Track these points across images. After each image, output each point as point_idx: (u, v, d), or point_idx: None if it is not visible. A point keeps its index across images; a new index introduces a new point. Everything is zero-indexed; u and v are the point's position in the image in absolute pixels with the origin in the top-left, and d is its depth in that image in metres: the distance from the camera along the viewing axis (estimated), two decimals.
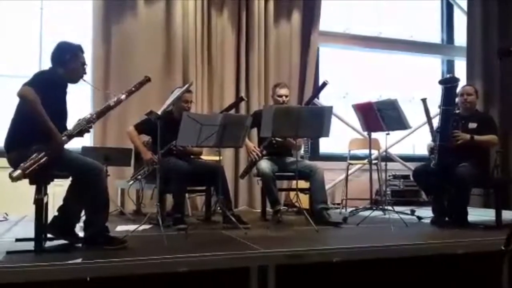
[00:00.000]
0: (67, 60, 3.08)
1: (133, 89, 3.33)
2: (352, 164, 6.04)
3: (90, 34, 5.48)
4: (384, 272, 3.00)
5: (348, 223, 4.23)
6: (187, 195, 4.97)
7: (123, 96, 3.22)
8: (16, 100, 2.90)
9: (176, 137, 3.69)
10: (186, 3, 5.74)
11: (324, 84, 4.44)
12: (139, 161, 4.38)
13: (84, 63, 3.18)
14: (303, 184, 4.56)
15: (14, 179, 2.73)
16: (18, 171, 2.73)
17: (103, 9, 5.48)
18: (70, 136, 2.98)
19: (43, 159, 2.79)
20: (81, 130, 3.03)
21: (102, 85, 5.11)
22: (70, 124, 3.08)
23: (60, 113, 3.04)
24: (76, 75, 3.15)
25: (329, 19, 6.65)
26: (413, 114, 5.14)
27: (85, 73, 3.20)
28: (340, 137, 6.27)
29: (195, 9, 5.76)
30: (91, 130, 3.19)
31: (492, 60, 6.84)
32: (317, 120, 3.91)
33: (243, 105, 5.84)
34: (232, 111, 5.34)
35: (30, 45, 5.52)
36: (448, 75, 6.79)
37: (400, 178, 6.39)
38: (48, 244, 3.00)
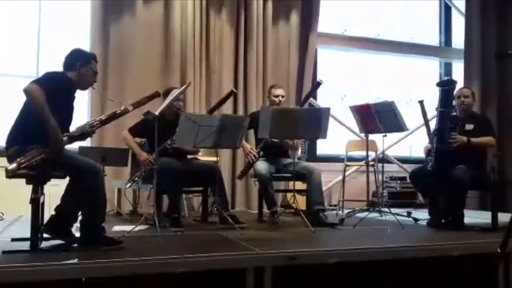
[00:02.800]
0: (78, 66, 3.11)
1: (142, 102, 3.34)
2: (349, 165, 6.05)
3: (88, 34, 5.47)
4: (380, 274, 3.00)
5: (345, 224, 4.24)
6: (184, 195, 4.98)
7: (130, 108, 3.23)
8: (18, 97, 2.93)
9: (169, 137, 3.68)
10: (185, 4, 5.74)
11: (318, 83, 4.45)
12: (136, 161, 4.37)
13: (95, 72, 3.23)
14: (300, 185, 4.56)
15: (9, 172, 2.74)
16: (13, 164, 2.76)
17: (101, 9, 5.48)
18: (71, 138, 3.00)
19: (41, 156, 2.80)
20: (83, 133, 3.05)
21: (100, 85, 5.09)
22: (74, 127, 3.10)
23: (64, 116, 3.04)
24: (85, 82, 3.19)
25: (327, 20, 6.66)
26: (411, 116, 5.15)
27: (95, 81, 3.25)
28: (337, 139, 6.28)
29: (194, 10, 5.76)
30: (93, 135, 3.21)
31: (490, 63, 6.87)
32: (315, 122, 3.91)
33: (241, 105, 5.85)
34: (230, 111, 5.36)
35: (28, 45, 5.52)
36: (445, 77, 6.81)
37: (397, 180, 6.40)
38: (44, 244, 3.00)
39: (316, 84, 4.50)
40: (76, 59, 3.13)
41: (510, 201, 5.79)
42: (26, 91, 2.84)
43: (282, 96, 4.59)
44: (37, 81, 2.91)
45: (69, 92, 3.12)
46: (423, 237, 3.83)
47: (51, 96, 2.84)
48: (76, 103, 3.21)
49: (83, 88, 3.24)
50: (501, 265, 3.15)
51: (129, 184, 4.24)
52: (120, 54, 5.56)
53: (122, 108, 3.20)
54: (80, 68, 3.11)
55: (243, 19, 5.97)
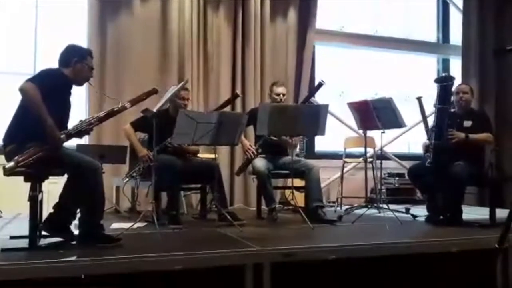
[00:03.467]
0: (73, 62, 3.09)
1: (139, 99, 3.34)
2: (347, 162, 6.05)
3: (85, 32, 5.46)
4: (378, 270, 3.01)
5: (343, 221, 4.24)
6: (182, 193, 4.98)
7: (128, 104, 3.22)
8: (15, 95, 2.91)
9: (171, 135, 3.68)
10: (182, 2, 5.72)
11: (320, 84, 4.45)
12: (134, 158, 4.37)
13: (91, 68, 3.21)
14: (298, 182, 4.56)
15: (6, 170, 2.74)
16: (11, 163, 2.76)
17: (98, 7, 5.46)
18: (69, 136, 3.00)
19: (39, 154, 2.79)
20: (80, 131, 3.05)
21: (97, 83, 5.09)
22: (72, 125, 3.10)
23: (61, 113, 3.04)
24: (81, 78, 3.17)
25: (325, 17, 6.65)
26: (409, 112, 5.17)
27: (91, 76, 3.23)
28: (336, 135, 6.28)
29: (191, 7, 5.74)
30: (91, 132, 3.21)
31: (488, 59, 6.87)
32: (313, 118, 3.91)
33: (238, 102, 5.84)
34: (228, 108, 5.35)
35: (26, 43, 5.50)
36: (443, 74, 6.79)
37: (395, 176, 6.40)
38: (43, 241, 3.00)
39: (317, 85, 4.49)
40: (71, 55, 3.11)
41: (508, 197, 5.80)
42: (22, 90, 2.83)
43: (284, 95, 4.58)
44: (32, 79, 2.90)
45: (65, 88, 3.11)
46: (422, 233, 3.83)
47: (47, 93, 2.82)
48: (74, 101, 3.21)
49: (79, 84, 3.21)
50: (499, 261, 3.16)
51: (126, 180, 4.24)
52: (117, 52, 5.55)
53: (119, 105, 3.19)
54: (75, 64, 3.10)
55: (240, 17, 5.96)
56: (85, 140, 5.16)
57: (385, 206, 4.51)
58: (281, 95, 4.55)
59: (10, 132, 2.97)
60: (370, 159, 5.60)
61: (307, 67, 6.26)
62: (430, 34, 7.59)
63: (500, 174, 6.01)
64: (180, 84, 3.88)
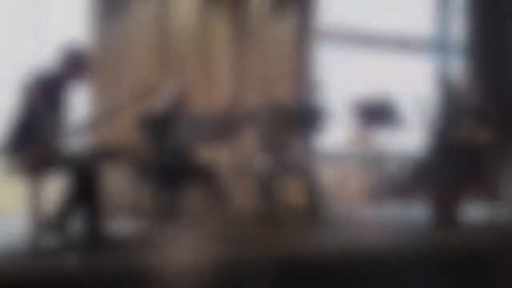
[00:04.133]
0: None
1: (138, 98, 3.36)
2: (348, 162, 6.04)
3: (85, 30, 5.46)
4: (379, 270, 3.01)
5: (344, 222, 4.24)
6: (182, 193, 4.97)
7: (127, 104, 3.23)
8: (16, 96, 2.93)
9: (172, 136, 3.68)
10: (182, 0, 5.72)
11: (322, 84, 4.45)
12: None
13: (90, 68, 3.20)
14: (299, 182, 4.56)
15: (8, 171, 2.75)
16: (13, 164, 2.76)
17: (98, 5, 5.46)
18: (70, 136, 2.99)
19: (40, 154, 2.79)
20: (81, 131, 3.05)
21: (96, 83, 5.09)
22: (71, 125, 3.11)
23: (61, 112, 3.04)
24: (81, 77, 3.16)
25: (326, 17, 6.64)
26: (410, 112, 5.14)
27: (90, 77, 3.24)
28: (336, 136, 6.27)
29: (191, 6, 5.74)
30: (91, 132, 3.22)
31: (489, 58, 6.87)
32: (314, 119, 3.92)
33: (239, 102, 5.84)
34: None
35: (25, 42, 5.50)
36: (444, 74, 6.82)
37: (396, 177, 6.39)
38: (44, 242, 2.99)
39: (319, 86, 4.49)
40: (70, 54, 3.11)
41: (510, 196, 5.81)
42: (22, 91, 2.84)
43: (285, 95, 4.58)
44: (32, 79, 2.90)
45: (63, 87, 3.11)
46: (422, 234, 3.83)
47: (47, 94, 2.83)
48: (75, 101, 3.21)
49: (79, 84, 3.22)
50: (500, 260, 3.16)
51: (126, 180, 4.26)
52: (116, 51, 5.54)
53: (119, 106, 3.20)
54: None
55: (241, 16, 5.97)
56: (85, 140, 5.17)
57: (385, 206, 4.50)
58: (283, 95, 4.55)
59: (11, 133, 2.98)
60: (371, 160, 5.60)
61: (308, 67, 6.26)
62: (431, 34, 7.57)
63: (502, 174, 6.01)
64: (180, 84, 3.88)
